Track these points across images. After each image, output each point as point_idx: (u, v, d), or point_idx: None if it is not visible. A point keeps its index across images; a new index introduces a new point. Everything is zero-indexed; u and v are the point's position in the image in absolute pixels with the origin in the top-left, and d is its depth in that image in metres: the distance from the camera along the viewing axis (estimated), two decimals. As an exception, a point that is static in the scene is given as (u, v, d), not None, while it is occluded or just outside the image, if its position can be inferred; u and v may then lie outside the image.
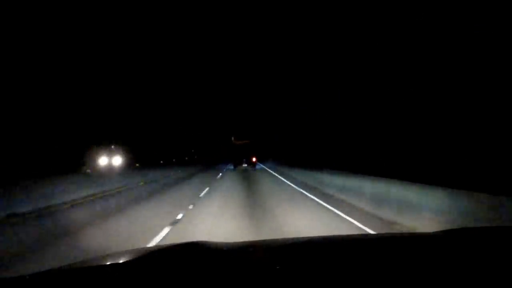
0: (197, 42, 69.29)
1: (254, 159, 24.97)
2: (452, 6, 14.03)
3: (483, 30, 12.13)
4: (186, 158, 60.52)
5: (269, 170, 23.58)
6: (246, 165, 24.53)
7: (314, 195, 9.98)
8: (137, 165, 27.43)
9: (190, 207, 7.80)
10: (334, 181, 11.05)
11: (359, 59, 24.16)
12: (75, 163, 21.76)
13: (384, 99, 20.57)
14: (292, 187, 12.67)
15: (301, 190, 11.44)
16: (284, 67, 47.28)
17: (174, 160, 47.76)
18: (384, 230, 5.63)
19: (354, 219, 6.27)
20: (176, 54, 65.89)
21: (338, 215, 6.84)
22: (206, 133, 70.12)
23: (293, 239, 1.70)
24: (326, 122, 32.12)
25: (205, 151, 67.39)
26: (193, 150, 64.43)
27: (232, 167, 25.44)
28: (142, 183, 14.89)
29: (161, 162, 37.08)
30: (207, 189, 11.71)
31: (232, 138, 26.23)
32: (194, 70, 72.02)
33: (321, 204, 8.27)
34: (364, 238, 1.90)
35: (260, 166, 30.01)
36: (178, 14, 59.13)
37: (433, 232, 1.59)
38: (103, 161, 22.40)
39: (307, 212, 7.25)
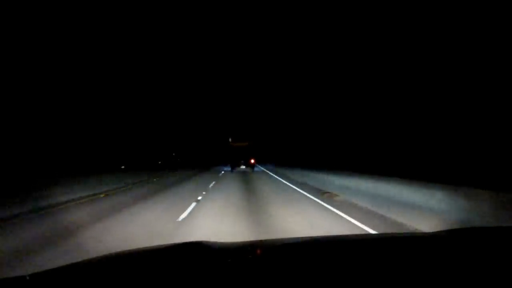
0: (196, 41, 69.47)
1: (252, 161, 24.88)
2: (451, 6, 14.06)
3: (483, 30, 12.15)
4: (179, 160, 57.20)
5: (270, 173, 23.46)
6: (244, 167, 24.46)
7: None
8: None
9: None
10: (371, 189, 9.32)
11: (358, 60, 24.20)
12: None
13: (384, 99, 20.58)
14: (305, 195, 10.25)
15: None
16: (284, 67, 47.40)
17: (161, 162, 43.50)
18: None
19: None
20: (174, 54, 66.06)
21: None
22: (203, 134, 69.76)
23: (293, 239, 1.70)
24: (326, 122, 32.17)
25: (201, 153, 66.41)
26: (174, 153, 61.38)
27: (230, 169, 25.36)
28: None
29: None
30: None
31: (230, 140, 26.02)
32: (192, 71, 72.13)
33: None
34: (364, 238, 1.90)
35: (260, 168, 29.77)
36: (177, 15, 59.37)
37: (433, 232, 1.59)
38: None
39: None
